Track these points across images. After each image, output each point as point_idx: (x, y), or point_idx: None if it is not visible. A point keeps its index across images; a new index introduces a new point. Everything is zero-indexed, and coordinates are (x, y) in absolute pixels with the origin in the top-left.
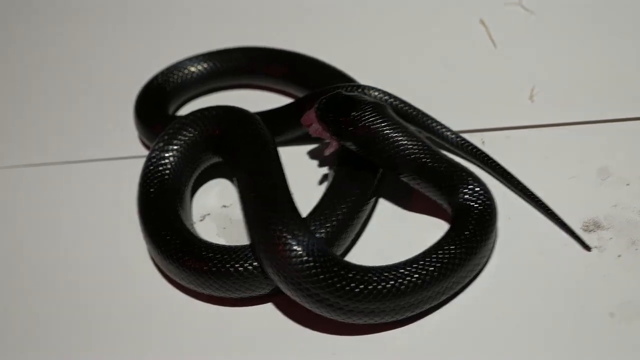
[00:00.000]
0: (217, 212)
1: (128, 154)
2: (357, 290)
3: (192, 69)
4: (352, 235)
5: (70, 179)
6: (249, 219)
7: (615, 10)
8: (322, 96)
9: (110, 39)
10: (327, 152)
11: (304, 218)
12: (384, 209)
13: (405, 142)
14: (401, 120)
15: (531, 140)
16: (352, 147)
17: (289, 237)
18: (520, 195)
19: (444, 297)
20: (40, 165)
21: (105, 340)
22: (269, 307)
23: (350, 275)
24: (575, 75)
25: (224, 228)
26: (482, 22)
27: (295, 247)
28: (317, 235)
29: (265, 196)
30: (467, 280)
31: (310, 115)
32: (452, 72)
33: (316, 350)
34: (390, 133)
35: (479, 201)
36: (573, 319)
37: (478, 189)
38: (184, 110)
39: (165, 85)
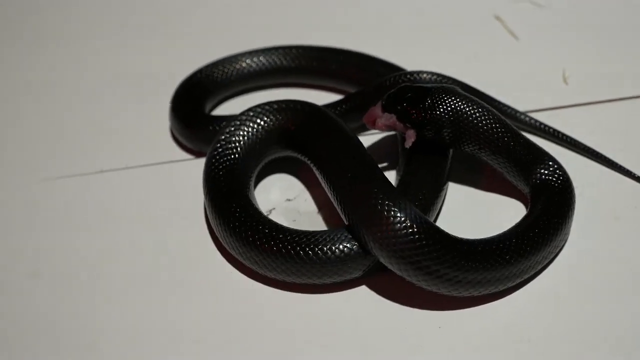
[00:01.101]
0: (282, 205)
1: (162, 160)
2: (466, 259)
3: (232, 67)
4: (436, 213)
5: (108, 187)
6: (346, 199)
7: None
8: (387, 90)
9: (142, 43)
10: (408, 143)
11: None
12: (456, 190)
13: (485, 119)
14: (476, 99)
15: (574, 119)
16: (431, 133)
17: (395, 209)
18: (589, 158)
19: (539, 267)
20: (78, 176)
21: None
22: (363, 290)
23: (458, 245)
24: (599, 55)
25: (294, 220)
26: (498, 18)
27: (402, 219)
28: None
29: (361, 175)
30: (558, 249)
31: (375, 112)
32: (483, 64)
33: (422, 325)
34: (470, 111)
35: (558, 178)
36: None
37: (556, 166)
38: (221, 109)
39: (204, 82)
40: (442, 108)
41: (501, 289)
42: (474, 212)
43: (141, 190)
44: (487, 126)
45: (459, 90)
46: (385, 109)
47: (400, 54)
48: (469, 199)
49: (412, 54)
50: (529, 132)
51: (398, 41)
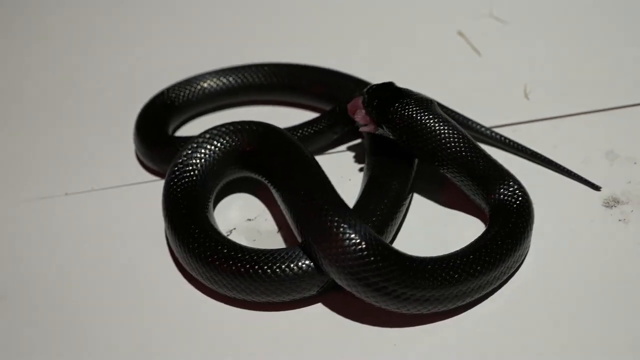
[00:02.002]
0: (243, 225)
1: (128, 182)
2: (415, 277)
3: (198, 86)
4: (394, 229)
5: (74, 209)
6: (299, 216)
7: (582, 8)
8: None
9: (108, 66)
10: (363, 129)
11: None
12: (418, 205)
13: (448, 135)
14: (446, 116)
15: (536, 133)
16: (392, 136)
17: (345, 226)
18: (546, 167)
19: (491, 287)
20: (43, 199)
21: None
22: (319, 307)
23: (407, 262)
24: (560, 71)
25: (254, 240)
26: (460, 33)
27: (352, 236)
28: None
29: (314, 193)
30: (512, 270)
31: (357, 103)
32: (445, 81)
33: (376, 343)
34: (434, 125)
35: (517, 198)
36: (615, 285)
37: (516, 186)
38: (187, 129)
39: (167, 103)
40: (405, 115)
41: (451, 307)
42: (434, 229)
43: (106, 212)
44: (446, 142)
45: (432, 104)
46: (362, 102)
47: (364, 69)
48: (431, 216)
49: (375, 69)
50: (496, 146)
51: (362, 56)
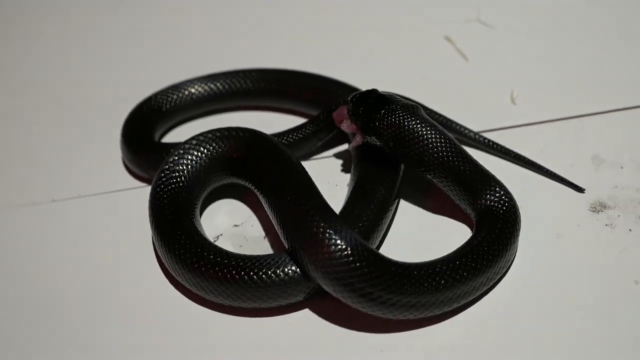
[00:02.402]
0: (229, 231)
1: (115, 188)
2: (401, 283)
3: (184, 92)
4: (381, 235)
5: (61, 216)
6: (286, 221)
7: (568, 14)
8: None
9: (93, 70)
10: (351, 146)
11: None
12: (404, 211)
13: (435, 141)
14: (432, 121)
15: (522, 138)
16: (379, 143)
17: (331, 232)
18: (532, 170)
19: (478, 293)
20: (30, 205)
21: None
22: (306, 313)
23: (393, 268)
24: (546, 76)
25: (241, 246)
26: (447, 38)
27: (337, 241)
28: None
29: (301, 198)
30: (498, 276)
31: (342, 112)
32: (432, 86)
33: (363, 349)
34: (421, 131)
35: (504, 205)
36: (601, 290)
37: (502, 192)
38: (171, 136)
39: (153, 109)
40: (389, 123)
41: (437, 313)
42: (420, 235)
43: (93, 219)
44: (433, 147)
45: (418, 110)
46: (347, 111)
47: (352, 74)
48: (417, 222)
49: (363, 74)
50: (480, 149)
51: (349, 62)
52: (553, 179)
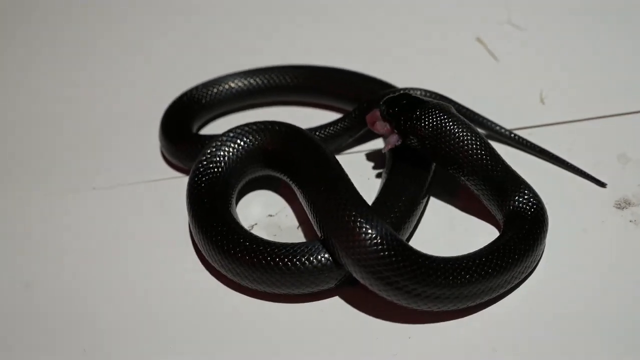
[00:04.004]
0: (264, 221)
1: (153, 178)
2: (427, 274)
3: (223, 86)
4: (410, 228)
5: (101, 204)
6: (319, 211)
7: (597, 15)
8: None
9: (136, 66)
10: (385, 148)
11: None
12: (434, 209)
13: (468, 141)
14: (466, 120)
15: (551, 137)
16: (414, 144)
17: (363, 221)
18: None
19: (502, 291)
20: (71, 192)
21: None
22: (336, 300)
23: (420, 259)
24: (575, 77)
25: (275, 235)
26: (479, 40)
27: (369, 231)
28: None
29: (335, 189)
30: (524, 275)
31: (375, 114)
32: (463, 86)
33: (390, 336)
34: (454, 130)
35: (532, 207)
36: (625, 283)
37: (531, 195)
38: (209, 129)
39: (192, 102)
40: (427, 122)
41: (460, 307)
42: (448, 234)
43: (132, 207)
44: (467, 147)
45: (452, 109)
46: (381, 113)
47: (385, 72)
48: (446, 220)
49: (396, 73)
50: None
51: (382, 60)
52: (575, 173)
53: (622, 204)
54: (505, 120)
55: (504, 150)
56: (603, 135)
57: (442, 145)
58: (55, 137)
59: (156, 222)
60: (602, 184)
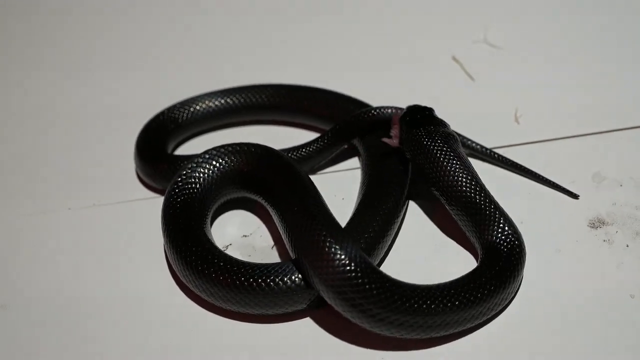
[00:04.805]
0: (238, 241)
1: (129, 198)
2: (392, 300)
3: (198, 106)
4: (384, 249)
5: (76, 224)
6: (292, 232)
7: (573, 36)
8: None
9: (111, 86)
10: (384, 141)
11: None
12: (410, 229)
13: (455, 170)
14: (461, 153)
15: (525, 156)
16: (407, 154)
17: (334, 243)
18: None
19: (471, 324)
20: (48, 213)
21: None
22: (308, 322)
23: (387, 284)
24: (549, 96)
25: (249, 255)
26: (455, 59)
27: (339, 252)
28: None
29: (308, 211)
30: (494, 311)
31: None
32: (439, 104)
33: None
34: (444, 157)
35: (510, 242)
36: (598, 303)
37: (510, 231)
38: (184, 149)
39: (167, 123)
40: (424, 141)
41: (424, 337)
42: (427, 257)
43: (107, 227)
44: (453, 176)
45: (455, 140)
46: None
47: (361, 90)
48: (424, 243)
49: (372, 91)
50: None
51: (359, 78)
52: (547, 185)
53: (596, 223)
54: (480, 139)
55: (478, 167)
56: (578, 155)
57: (428, 166)
58: (30, 156)
59: (131, 242)
60: (574, 196)
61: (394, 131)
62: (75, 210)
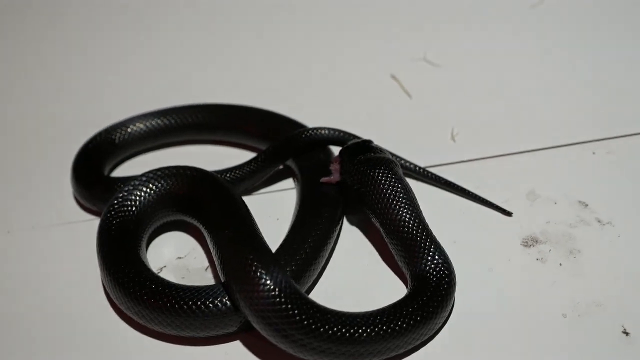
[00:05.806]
0: (173, 263)
1: (67, 220)
2: (314, 326)
3: (134, 127)
4: (316, 273)
5: (16, 247)
6: (222, 257)
7: (507, 55)
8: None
9: (47, 109)
10: (323, 180)
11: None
12: (344, 252)
13: (393, 199)
14: (404, 180)
15: (461, 174)
16: (349, 184)
17: (260, 268)
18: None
19: (395, 353)
20: None
21: None
22: (237, 345)
23: (312, 311)
24: (486, 114)
25: (183, 277)
26: (393, 77)
27: (267, 282)
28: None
29: (239, 235)
30: (419, 341)
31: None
32: (377, 123)
33: None
34: (384, 185)
35: (439, 273)
36: (530, 322)
37: (441, 261)
38: (122, 170)
39: (103, 145)
40: (363, 169)
41: None
42: (353, 286)
43: (46, 250)
44: (391, 204)
45: (396, 168)
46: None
47: (297, 110)
48: (354, 264)
49: (310, 111)
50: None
51: (296, 98)
52: (481, 203)
53: (530, 242)
54: (416, 157)
55: (413, 186)
56: (512, 172)
57: (372, 197)
58: None
59: (69, 264)
60: (508, 214)
61: (334, 166)
62: (15, 233)
